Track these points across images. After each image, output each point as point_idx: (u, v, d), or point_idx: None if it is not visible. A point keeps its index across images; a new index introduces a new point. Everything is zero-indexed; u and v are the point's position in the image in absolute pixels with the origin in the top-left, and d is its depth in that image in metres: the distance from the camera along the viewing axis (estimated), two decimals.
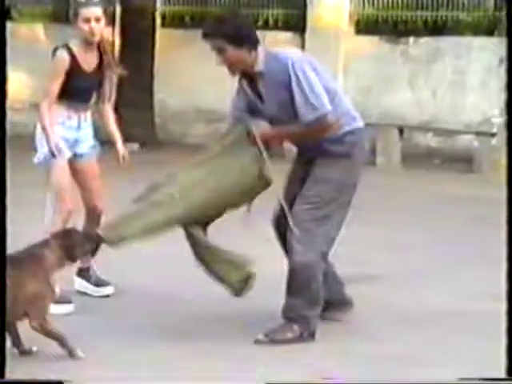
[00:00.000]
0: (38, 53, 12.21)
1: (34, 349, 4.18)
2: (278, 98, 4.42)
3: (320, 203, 4.47)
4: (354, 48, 13.52)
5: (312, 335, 4.56)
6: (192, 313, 4.99)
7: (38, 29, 13.89)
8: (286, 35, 14.08)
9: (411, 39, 12.93)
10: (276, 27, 14.18)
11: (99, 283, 5.20)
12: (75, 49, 5.00)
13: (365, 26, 13.57)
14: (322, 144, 4.49)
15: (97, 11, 4.93)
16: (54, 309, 4.43)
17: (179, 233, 4.43)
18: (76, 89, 5.00)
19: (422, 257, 6.59)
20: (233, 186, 4.43)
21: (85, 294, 5.22)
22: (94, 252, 4.56)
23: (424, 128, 12.40)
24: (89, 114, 5.19)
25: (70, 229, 4.58)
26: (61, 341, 4.16)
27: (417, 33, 12.94)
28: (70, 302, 4.91)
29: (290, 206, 4.53)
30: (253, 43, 4.44)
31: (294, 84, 4.34)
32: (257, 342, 4.49)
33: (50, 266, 4.18)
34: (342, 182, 4.51)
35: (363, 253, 6.48)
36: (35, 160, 5.07)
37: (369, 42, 13.15)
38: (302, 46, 13.90)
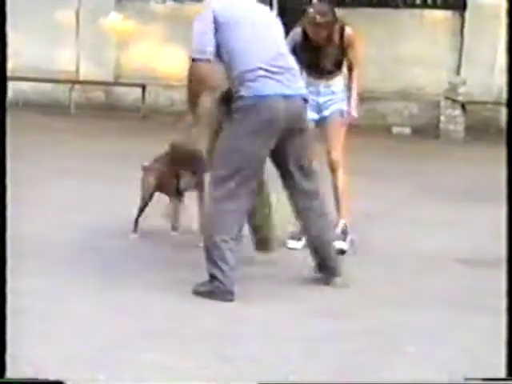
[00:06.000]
0: None
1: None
2: None
3: None
4: None
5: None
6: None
7: None
8: (446, 14, 13.82)
9: None
10: (435, 6, 13.94)
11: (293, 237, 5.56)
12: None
13: None
14: None
15: None
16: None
17: None
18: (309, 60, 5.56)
19: None
20: None
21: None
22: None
23: None
24: (331, 81, 5.70)
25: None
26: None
27: None
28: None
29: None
30: None
31: None
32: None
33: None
34: None
35: None
36: None
37: None
38: (462, 25, 13.63)
